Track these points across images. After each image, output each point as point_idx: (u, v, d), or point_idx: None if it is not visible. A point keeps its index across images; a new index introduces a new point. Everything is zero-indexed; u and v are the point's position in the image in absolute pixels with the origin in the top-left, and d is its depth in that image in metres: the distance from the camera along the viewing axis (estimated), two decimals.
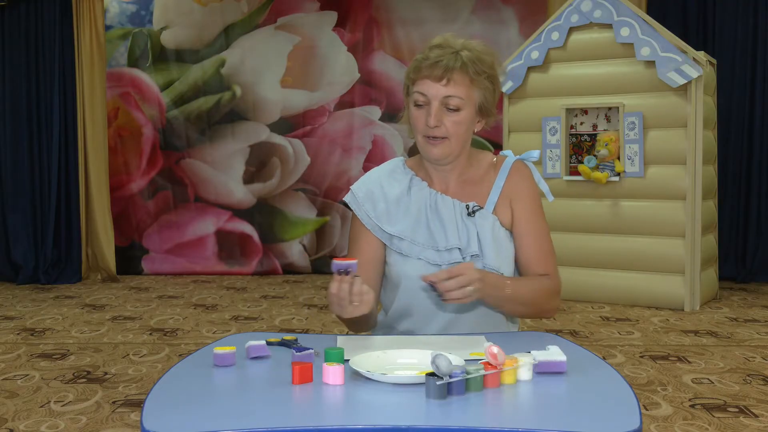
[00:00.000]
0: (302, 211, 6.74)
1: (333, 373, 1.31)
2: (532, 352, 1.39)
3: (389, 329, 1.87)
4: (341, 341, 1.60)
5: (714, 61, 5.36)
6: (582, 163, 5.18)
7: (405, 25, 6.60)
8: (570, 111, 5.28)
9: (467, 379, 1.26)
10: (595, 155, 5.11)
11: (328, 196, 6.69)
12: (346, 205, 1.88)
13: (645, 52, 4.87)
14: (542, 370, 1.37)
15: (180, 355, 3.92)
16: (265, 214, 6.76)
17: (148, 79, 6.73)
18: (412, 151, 6.27)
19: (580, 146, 5.31)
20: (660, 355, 3.83)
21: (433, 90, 1.71)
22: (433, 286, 1.56)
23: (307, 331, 4.47)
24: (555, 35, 5.23)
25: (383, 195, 1.83)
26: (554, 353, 1.38)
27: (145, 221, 6.80)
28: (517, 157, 1.88)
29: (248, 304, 5.37)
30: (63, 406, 3.10)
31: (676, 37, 4.90)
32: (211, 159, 6.77)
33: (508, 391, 1.28)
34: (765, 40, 5.97)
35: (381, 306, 1.92)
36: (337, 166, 6.68)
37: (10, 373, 3.59)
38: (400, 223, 1.79)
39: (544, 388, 1.30)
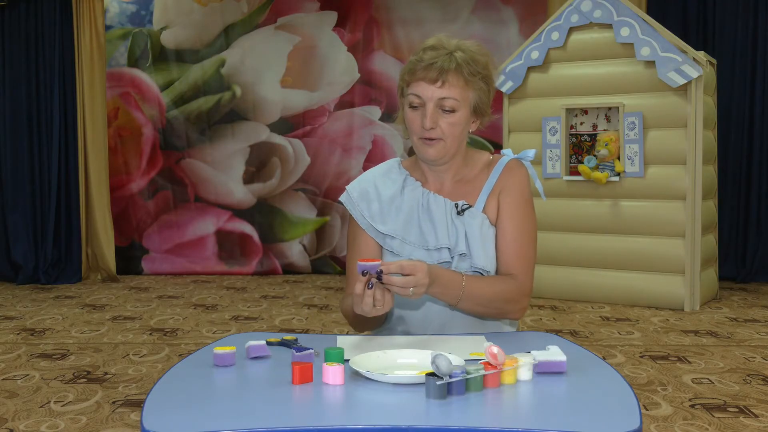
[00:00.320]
0: (302, 211, 6.74)
1: (333, 373, 1.31)
2: (532, 352, 1.39)
3: (388, 329, 1.88)
4: (341, 341, 1.61)
5: (714, 61, 5.36)
6: (582, 163, 5.18)
7: (405, 25, 6.60)
8: (570, 111, 5.28)
9: (467, 379, 1.26)
10: (595, 155, 5.12)
11: (328, 196, 6.69)
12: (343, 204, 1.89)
13: (645, 52, 4.87)
14: (542, 370, 1.37)
15: (180, 355, 3.92)
16: (265, 214, 6.76)
17: (148, 79, 6.74)
18: (412, 151, 6.26)
19: (580, 146, 5.31)
20: (660, 355, 3.83)
21: (428, 92, 1.71)
22: (379, 272, 1.50)
23: (307, 331, 4.47)
24: (555, 35, 5.23)
25: (377, 195, 1.84)
26: (554, 353, 1.38)
27: (145, 221, 6.80)
28: (513, 156, 1.87)
29: (248, 304, 5.37)
30: (63, 406, 3.10)
31: (676, 37, 4.90)
32: (211, 159, 6.77)
33: (508, 391, 1.29)
34: (765, 40, 5.97)
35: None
36: (337, 166, 6.68)
37: (10, 373, 3.59)
38: (392, 223, 1.80)
39: (544, 388, 1.30)
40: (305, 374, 1.32)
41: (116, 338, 4.31)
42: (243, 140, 6.74)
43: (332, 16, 6.66)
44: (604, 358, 3.38)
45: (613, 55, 5.08)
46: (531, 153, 1.88)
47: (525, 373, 1.34)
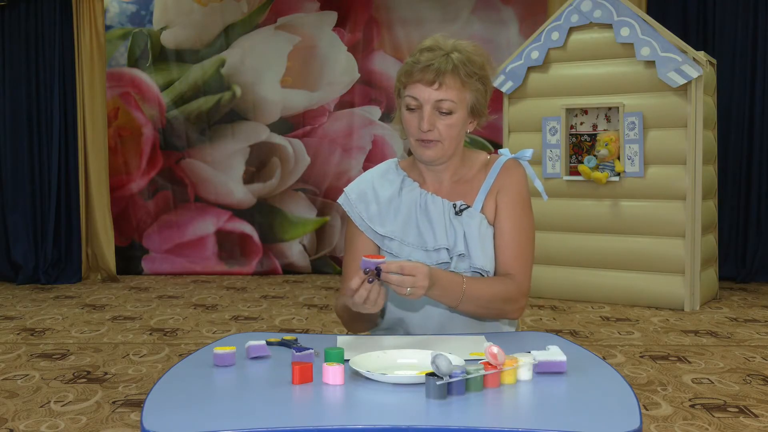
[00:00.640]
0: (302, 211, 6.74)
1: (333, 373, 1.31)
2: (532, 352, 1.39)
3: (387, 330, 1.88)
4: (341, 341, 1.60)
5: (714, 61, 5.36)
6: (582, 163, 5.18)
7: (405, 25, 6.60)
8: (570, 111, 5.28)
9: (467, 379, 1.26)
10: (595, 155, 5.12)
11: (328, 196, 6.69)
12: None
13: (645, 52, 4.87)
14: (542, 370, 1.37)
15: (180, 355, 3.92)
16: (265, 214, 6.76)
17: (148, 79, 6.74)
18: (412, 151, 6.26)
19: (580, 146, 5.31)
20: (660, 355, 3.83)
21: (425, 94, 1.71)
22: (378, 269, 1.51)
23: (307, 331, 4.47)
24: (555, 35, 5.23)
25: (375, 196, 1.83)
26: (554, 353, 1.38)
27: (145, 221, 6.80)
28: (511, 155, 1.87)
29: (248, 304, 5.37)
30: (63, 406, 3.10)
31: (676, 37, 4.90)
32: (211, 159, 6.77)
33: (508, 391, 1.28)
34: (765, 40, 5.97)
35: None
36: (337, 166, 6.68)
37: (10, 373, 3.59)
38: (390, 224, 1.80)
39: (544, 388, 1.30)
40: (305, 374, 1.32)
41: (116, 338, 4.31)
42: (243, 140, 6.74)
43: (332, 16, 6.66)
44: (604, 358, 3.38)
45: (613, 55, 5.08)
46: (529, 153, 1.88)
47: (525, 373, 1.34)
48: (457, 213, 1.78)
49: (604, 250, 5.15)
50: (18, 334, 4.44)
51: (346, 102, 6.67)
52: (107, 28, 6.61)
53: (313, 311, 5.08)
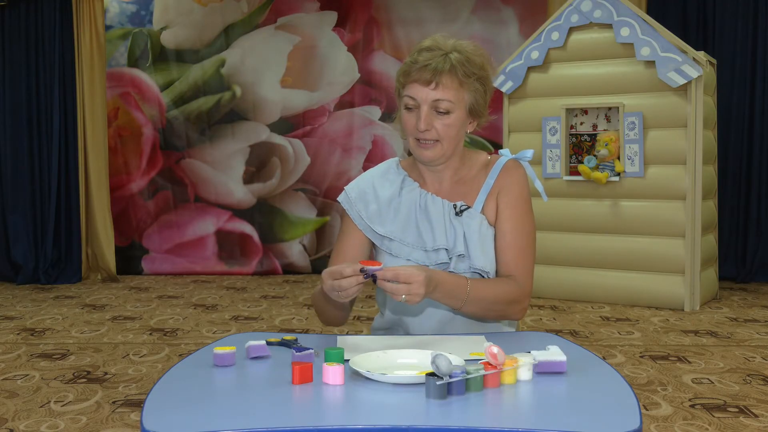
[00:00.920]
0: (302, 211, 6.74)
1: (333, 373, 1.31)
2: (532, 352, 1.39)
3: (386, 330, 1.88)
4: (341, 341, 1.60)
5: (714, 61, 5.36)
6: (582, 163, 5.18)
7: (405, 25, 6.60)
8: (570, 111, 5.28)
9: (467, 379, 1.26)
10: (595, 155, 5.12)
11: (328, 196, 6.69)
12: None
13: (645, 52, 4.87)
14: (542, 370, 1.37)
15: (180, 355, 3.92)
16: (265, 214, 6.76)
17: (148, 79, 6.74)
18: None
19: (580, 146, 5.31)
20: (660, 355, 3.83)
21: (423, 94, 1.71)
22: (374, 276, 1.51)
23: (307, 331, 4.47)
24: (555, 35, 5.23)
25: (375, 196, 1.84)
26: (554, 353, 1.38)
27: (145, 221, 6.80)
28: (511, 156, 1.87)
29: (248, 304, 5.37)
30: (63, 406, 3.10)
31: (676, 37, 4.90)
32: (211, 159, 6.77)
33: (508, 391, 1.28)
34: (765, 40, 5.97)
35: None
36: (337, 166, 6.68)
37: (10, 373, 3.59)
38: (390, 224, 1.80)
39: (544, 388, 1.30)
40: (305, 374, 1.32)
41: (116, 338, 4.31)
42: (243, 140, 6.74)
43: (332, 16, 6.66)
44: (604, 358, 3.38)
45: (613, 55, 5.08)
46: (529, 153, 1.87)
47: (525, 373, 1.34)
48: (457, 213, 1.77)
49: (604, 250, 5.15)
50: (18, 334, 4.44)
51: (346, 102, 6.67)
52: (107, 28, 6.61)
53: (313, 311, 5.08)
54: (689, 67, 4.73)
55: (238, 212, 6.78)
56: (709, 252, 5.22)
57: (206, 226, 6.79)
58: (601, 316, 4.78)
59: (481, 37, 6.44)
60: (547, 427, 1.10)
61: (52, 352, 3.99)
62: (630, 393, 1.26)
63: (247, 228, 6.78)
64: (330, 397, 1.26)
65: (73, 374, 3.56)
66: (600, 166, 5.08)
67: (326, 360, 1.37)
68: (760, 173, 6.04)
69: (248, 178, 6.76)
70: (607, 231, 5.14)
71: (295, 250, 6.74)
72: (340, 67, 6.66)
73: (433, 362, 1.23)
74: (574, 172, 5.28)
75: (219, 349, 1.45)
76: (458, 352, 1.48)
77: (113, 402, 3.15)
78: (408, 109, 1.75)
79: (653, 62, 4.86)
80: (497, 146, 6.23)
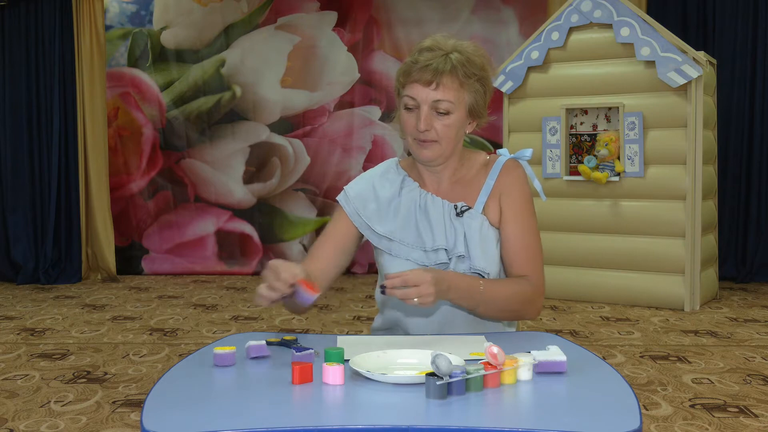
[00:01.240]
0: (302, 211, 6.74)
1: (333, 373, 1.31)
2: (532, 352, 1.39)
3: (386, 330, 1.88)
4: (341, 341, 1.61)
5: (714, 61, 5.36)
6: (582, 163, 5.18)
7: (405, 25, 6.60)
8: (570, 111, 5.28)
9: (467, 379, 1.26)
10: (595, 155, 5.12)
11: (328, 196, 6.69)
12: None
13: (645, 52, 4.87)
14: (542, 370, 1.37)
15: (180, 355, 3.92)
16: (265, 214, 6.76)
17: (148, 79, 6.74)
18: None
19: (580, 146, 5.31)
20: (660, 355, 3.83)
21: (423, 94, 1.70)
22: (382, 287, 1.55)
23: (307, 331, 4.47)
24: (555, 35, 5.23)
25: (375, 196, 1.83)
26: (554, 353, 1.38)
27: (145, 221, 6.80)
28: (510, 155, 1.87)
29: (248, 304, 5.37)
30: (63, 406, 3.10)
31: (676, 37, 4.90)
32: (211, 159, 6.77)
33: (508, 391, 1.28)
34: (765, 40, 5.97)
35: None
36: (337, 166, 6.68)
37: (10, 373, 3.59)
38: (389, 224, 1.80)
39: (544, 388, 1.30)
40: (305, 374, 1.32)
41: (116, 338, 4.31)
42: (243, 140, 6.74)
43: (332, 16, 6.66)
44: (604, 358, 3.38)
45: (613, 55, 5.08)
46: (528, 152, 1.88)
47: (525, 373, 1.34)
48: (458, 214, 1.77)
49: (604, 250, 5.15)
50: (18, 334, 4.44)
51: (346, 102, 6.67)
52: (107, 28, 6.61)
53: (313, 311, 5.08)
54: (689, 67, 4.73)
55: (238, 212, 6.78)
56: (709, 252, 5.22)
57: (206, 226, 6.79)
58: (601, 316, 4.78)
59: (481, 37, 6.44)
60: (547, 427, 1.10)
61: (52, 352, 3.99)
62: (630, 393, 1.26)
63: (247, 228, 6.78)
64: (330, 397, 1.26)
65: (73, 374, 3.56)
66: (600, 166, 5.08)
67: (326, 360, 1.37)
68: (760, 173, 6.04)
69: (248, 178, 6.76)
70: (607, 231, 5.14)
71: (295, 250, 6.74)
72: (340, 67, 6.66)
73: (433, 362, 1.23)
74: (574, 172, 5.28)
75: (219, 349, 1.45)
76: (458, 352, 1.47)
77: (113, 402, 3.15)
78: (408, 109, 1.74)
79: (653, 62, 4.86)
80: (497, 146, 6.23)
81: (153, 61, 6.72)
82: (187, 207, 6.80)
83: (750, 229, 6.08)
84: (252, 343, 1.51)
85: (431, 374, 1.24)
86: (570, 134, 5.31)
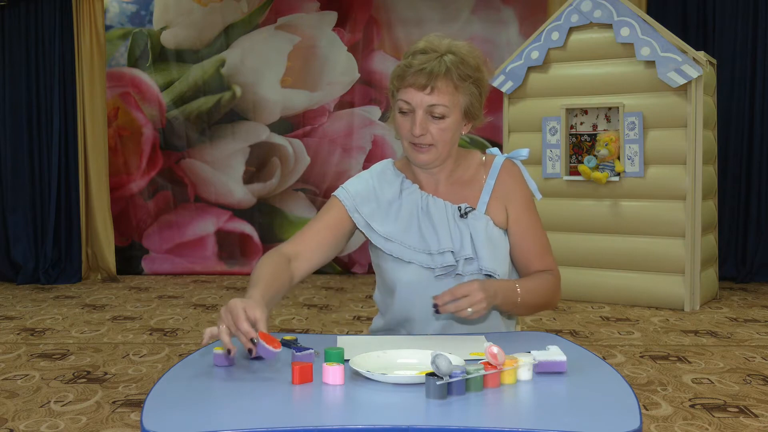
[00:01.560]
0: (302, 211, 6.74)
1: (333, 373, 1.31)
2: (532, 352, 1.39)
3: (386, 332, 1.86)
4: (341, 341, 1.60)
5: (714, 61, 5.36)
6: (582, 163, 5.18)
7: (405, 25, 6.60)
8: (570, 111, 5.28)
9: (467, 379, 1.26)
10: (595, 155, 5.12)
11: (328, 196, 6.63)
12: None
13: (645, 52, 4.87)
14: (542, 370, 1.37)
15: (180, 355, 3.92)
16: (265, 214, 6.77)
17: (148, 79, 6.74)
18: None
19: (580, 146, 5.31)
20: (660, 355, 3.83)
21: (417, 99, 1.69)
22: (435, 306, 1.60)
23: (307, 331, 4.47)
24: (555, 35, 5.23)
25: (375, 196, 1.81)
26: (554, 353, 1.38)
27: (145, 221, 6.80)
28: (506, 155, 1.87)
29: None
30: (63, 406, 3.10)
31: (676, 37, 4.90)
32: (211, 159, 6.77)
33: (508, 391, 1.28)
34: (765, 40, 5.97)
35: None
36: (337, 166, 6.68)
37: (10, 373, 3.59)
38: (390, 225, 1.78)
39: (544, 388, 1.30)
40: (305, 374, 1.32)
41: (116, 338, 4.31)
42: (243, 140, 6.74)
43: (332, 16, 6.66)
44: (604, 358, 3.38)
45: (613, 55, 5.08)
46: (524, 152, 1.88)
47: (525, 373, 1.34)
48: (462, 216, 1.77)
49: (604, 250, 5.15)
50: (18, 334, 4.44)
51: (346, 102, 6.67)
52: (107, 28, 6.61)
53: (313, 311, 5.08)
54: (689, 67, 4.73)
55: (238, 212, 6.78)
56: (709, 252, 5.22)
57: (206, 226, 6.79)
58: (601, 316, 4.78)
59: (481, 37, 6.44)
60: (547, 427, 1.10)
61: (52, 352, 3.99)
62: (630, 393, 1.26)
63: (247, 228, 6.78)
64: (330, 397, 1.26)
65: (73, 374, 3.56)
66: (600, 166, 5.07)
67: (326, 360, 1.37)
68: (760, 173, 6.04)
69: (248, 178, 6.76)
70: (607, 231, 5.14)
71: None
72: (340, 67, 6.66)
73: (433, 362, 1.23)
74: (574, 172, 5.28)
75: (219, 349, 1.45)
76: (458, 352, 1.47)
77: (113, 402, 3.15)
78: (402, 113, 1.73)
79: (653, 62, 4.86)
80: (497, 146, 6.23)
81: (153, 61, 6.72)
82: (187, 207, 6.80)
83: (750, 229, 6.08)
84: None
85: (431, 374, 1.24)
86: (570, 134, 5.31)
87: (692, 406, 3.04)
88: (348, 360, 1.40)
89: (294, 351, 1.43)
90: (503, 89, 5.42)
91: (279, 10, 6.70)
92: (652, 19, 4.97)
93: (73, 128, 6.41)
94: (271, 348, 1.34)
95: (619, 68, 5.06)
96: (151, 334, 4.42)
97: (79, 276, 6.41)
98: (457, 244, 1.74)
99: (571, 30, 5.21)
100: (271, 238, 6.75)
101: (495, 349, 1.30)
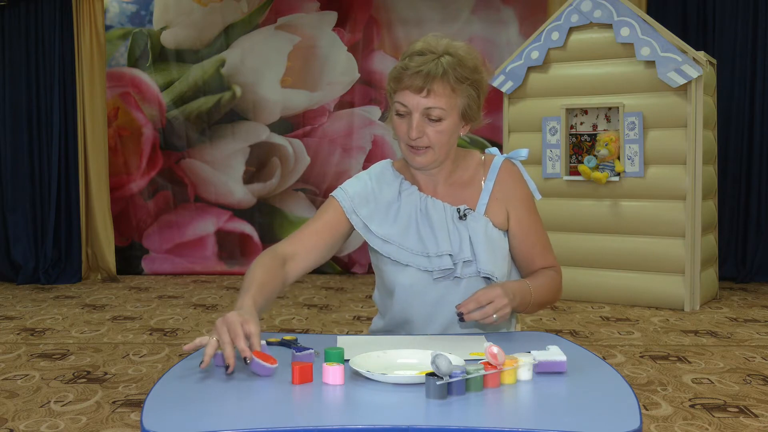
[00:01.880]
0: (302, 211, 6.74)
1: (333, 373, 1.31)
2: (532, 352, 1.39)
3: (388, 332, 1.86)
4: (341, 341, 1.60)
5: (714, 61, 5.36)
6: (582, 163, 5.18)
7: (405, 25, 6.60)
8: (570, 111, 5.28)
9: (467, 379, 1.26)
10: (595, 155, 5.12)
11: (328, 196, 6.68)
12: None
13: (645, 52, 4.87)
14: (542, 370, 1.37)
15: (180, 355, 3.92)
16: (265, 214, 6.77)
17: (148, 79, 6.74)
18: None
19: (580, 146, 5.31)
20: (660, 355, 3.83)
21: (414, 101, 1.67)
22: (460, 315, 1.61)
23: (307, 331, 4.47)
24: (555, 35, 5.23)
25: (374, 198, 1.80)
26: (554, 353, 1.38)
27: (145, 221, 6.80)
28: (505, 155, 1.86)
29: None
30: (63, 406, 3.10)
31: (676, 37, 4.90)
32: (211, 159, 6.77)
33: (508, 391, 1.28)
34: (765, 40, 5.97)
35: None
36: (337, 166, 6.68)
37: (10, 373, 3.59)
38: (388, 227, 1.77)
39: (544, 388, 1.30)
40: (305, 374, 1.32)
41: (116, 338, 4.31)
42: (243, 140, 6.74)
43: (332, 16, 6.66)
44: (604, 358, 3.38)
45: (613, 55, 5.08)
46: (524, 152, 1.87)
47: (525, 373, 1.34)
48: (461, 217, 1.76)
49: (604, 250, 5.15)
50: (18, 334, 4.44)
51: (346, 102, 6.67)
52: (107, 28, 6.61)
53: (313, 311, 5.08)
54: (689, 67, 4.73)
55: (238, 212, 6.78)
56: (709, 252, 5.22)
57: (206, 226, 6.79)
58: (601, 316, 4.78)
59: (481, 37, 6.44)
60: (547, 427, 1.10)
61: (52, 352, 3.99)
62: (630, 393, 1.26)
63: (247, 228, 6.78)
64: (330, 397, 1.26)
65: (73, 374, 3.56)
66: (600, 166, 5.08)
67: (326, 360, 1.37)
68: (760, 173, 6.04)
69: (248, 178, 6.77)
70: (607, 231, 5.14)
71: None
72: (340, 67, 6.66)
73: (433, 362, 1.23)
74: (574, 172, 5.28)
75: (219, 350, 1.45)
76: (458, 352, 1.47)
77: (113, 402, 3.15)
78: (399, 115, 1.72)
79: (653, 62, 4.86)
80: (497, 146, 6.23)
81: (153, 61, 6.72)
82: (187, 207, 6.80)
83: (750, 229, 6.08)
84: None
85: (431, 374, 1.24)
86: (570, 134, 5.31)
87: (692, 406, 3.04)
88: (348, 360, 1.40)
89: (294, 351, 1.43)
90: (503, 89, 5.42)
91: (279, 10, 6.70)
92: (652, 19, 4.97)
93: (73, 128, 6.41)
94: (267, 365, 1.35)
95: (619, 68, 5.06)
96: (151, 334, 4.42)
97: (79, 276, 6.41)
98: (455, 246, 1.73)
99: (571, 30, 5.21)
100: (271, 238, 6.75)
101: (495, 349, 1.30)
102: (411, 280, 1.74)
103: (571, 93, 5.23)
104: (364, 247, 6.24)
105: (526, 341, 1.64)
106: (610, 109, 5.19)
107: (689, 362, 3.69)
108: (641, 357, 3.79)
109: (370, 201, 1.80)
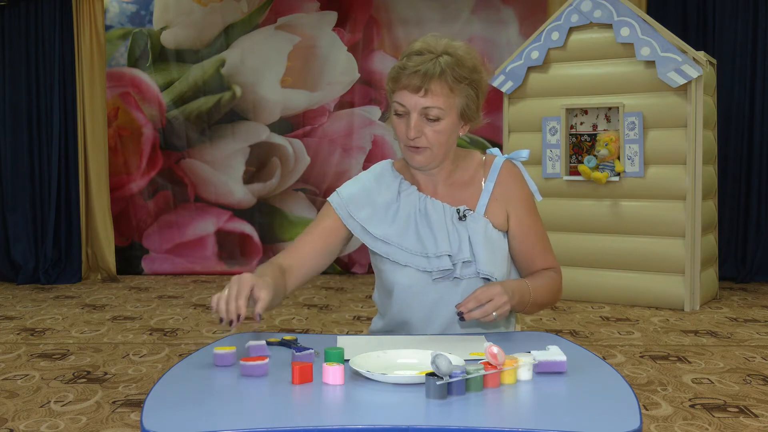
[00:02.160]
0: (302, 211, 6.75)
1: (333, 373, 1.31)
2: (532, 352, 1.39)
3: (389, 332, 1.86)
4: (341, 341, 1.60)
5: (714, 61, 5.36)
6: (582, 163, 5.18)
7: (405, 25, 6.60)
8: (570, 111, 5.28)
9: (467, 379, 1.26)
10: (595, 155, 5.12)
11: (328, 196, 6.68)
12: None
13: (645, 52, 4.87)
14: (542, 370, 1.37)
15: (180, 355, 3.92)
16: (265, 214, 6.77)
17: (148, 79, 6.74)
18: None
19: (580, 146, 5.31)
20: (660, 355, 3.83)
21: (412, 101, 1.68)
22: (460, 315, 1.61)
23: (307, 331, 4.47)
24: (555, 35, 5.23)
25: (370, 200, 1.80)
26: (554, 353, 1.38)
27: (145, 221, 6.80)
28: (506, 156, 1.86)
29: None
30: (63, 406, 3.10)
31: (676, 37, 4.90)
32: (211, 159, 6.77)
33: (508, 391, 1.28)
34: (765, 40, 5.97)
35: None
36: (337, 166, 6.68)
37: (10, 373, 3.59)
38: (386, 228, 1.76)
39: (544, 388, 1.30)
40: (305, 374, 1.32)
41: (116, 338, 4.31)
42: (243, 140, 6.74)
43: (332, 16, 6.66)
44: (604, 358, 3.38)
45: (613, 55, 5.08)
46: (524, 153, 1.86)
47: (525, 373, 1.34)
48: (460, 218, 1.75)
49: (604, 250, 5.15)
50: (18, 334, 4.44)
51: (346, 102, 6.67)
52: (107, 28, 6.61)
53: (313, 311, 5.08)
54: (689, 67, 4.73)
55: (238, 212, 6.78)
56: (709, 252, 5.22)
57: (206, 226, 6.79)
58: (601, 316, 4.78)
59: (481, 37, 6.44)
60: (547, 427, 1.10)
61: (52, 352, 3.99)
62: (630, 393, 1.26)
63: (247, 228, 6.78)
64: (330, 397, 1.26)
65: (73, 374, 3.56)
66: (600, 166, 5.08)
67: (326, 360, 1.37)
68: (760, 173, 6.04)
69: (248, 178, 6.77)
70: (607, 231, 5.14)
71: None
72: (340, 67, 6.66)
73: (433, 362, 1.23)
74: (574, 172, 5.28)
75: (219, 349, 1.45)
76: (458, 352, 1.47)
77: (113, 402, 3.15)
78: (398, 114, 1.72)
79: (653, 62, 4.86)
80: (497, 146, 6.23)
81: (153, 61, 6.72)
82: (187, 207, 6.80)
83: (750, 229, 6.08)
84: (252, 343, 1.50)
85: (431, 374, 1.24)
86: (570, 134, 5.31)
87: (692, 406, 3.04)
88: (348, 360, 1.40)
89: (294, 351, 1.43)
90: (503, 89, 5.42)
91: (279, 10, 6.70)
92: (652, 19, 4.97)
93: (73, 128, 6.41)
94: (257, 363, 1.36)
95: (619, 68, 5.06)
96: (151, 334, 4.42)
97: (79, 276, 6.41)
98: (455, 246, 1.72)
99: (571, 30, 5.21)
100: (271, 238, 6.75)
101: (495, 349, 1.30)
102: (410, 281, 1.73)
103: (571, 93, 5.23)
104: (364, 247, 6.21)
105: (526, 341, 1.64)
106: (610, 109, 5.19)
107: (689, 362, 3.69)
108: (641, 357, 3.79)
109: (366, 203, 1.80)
